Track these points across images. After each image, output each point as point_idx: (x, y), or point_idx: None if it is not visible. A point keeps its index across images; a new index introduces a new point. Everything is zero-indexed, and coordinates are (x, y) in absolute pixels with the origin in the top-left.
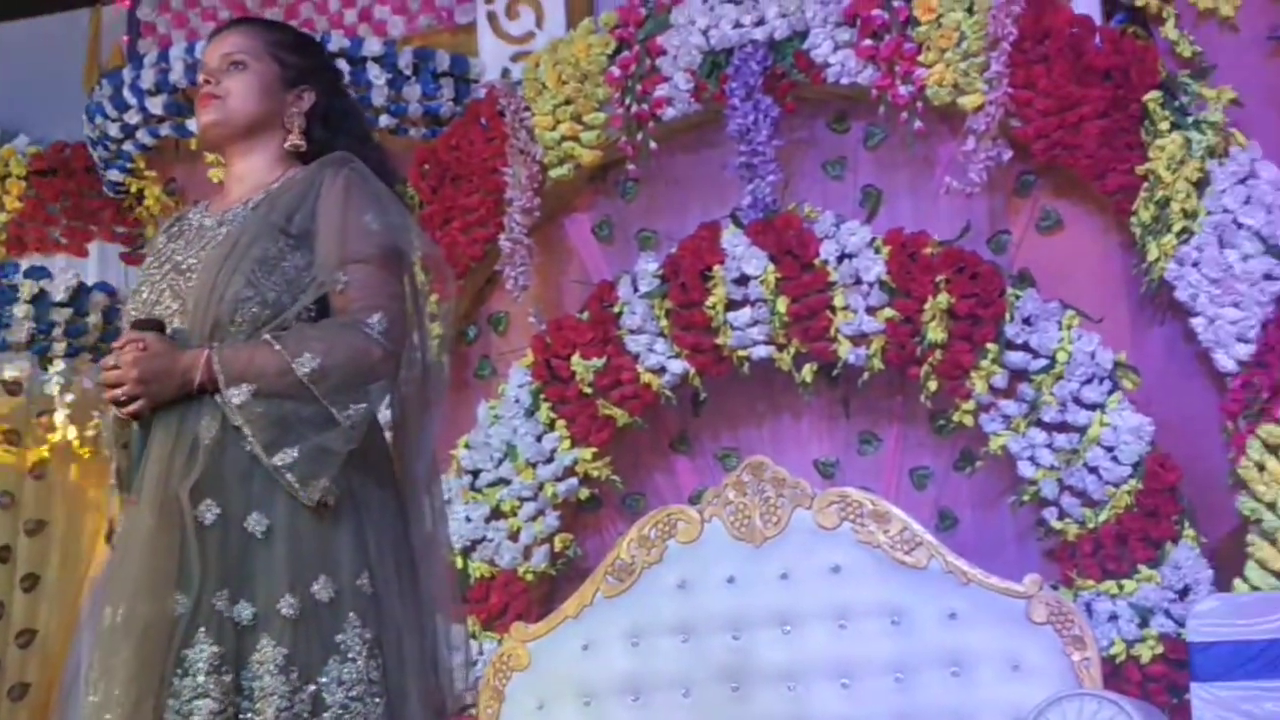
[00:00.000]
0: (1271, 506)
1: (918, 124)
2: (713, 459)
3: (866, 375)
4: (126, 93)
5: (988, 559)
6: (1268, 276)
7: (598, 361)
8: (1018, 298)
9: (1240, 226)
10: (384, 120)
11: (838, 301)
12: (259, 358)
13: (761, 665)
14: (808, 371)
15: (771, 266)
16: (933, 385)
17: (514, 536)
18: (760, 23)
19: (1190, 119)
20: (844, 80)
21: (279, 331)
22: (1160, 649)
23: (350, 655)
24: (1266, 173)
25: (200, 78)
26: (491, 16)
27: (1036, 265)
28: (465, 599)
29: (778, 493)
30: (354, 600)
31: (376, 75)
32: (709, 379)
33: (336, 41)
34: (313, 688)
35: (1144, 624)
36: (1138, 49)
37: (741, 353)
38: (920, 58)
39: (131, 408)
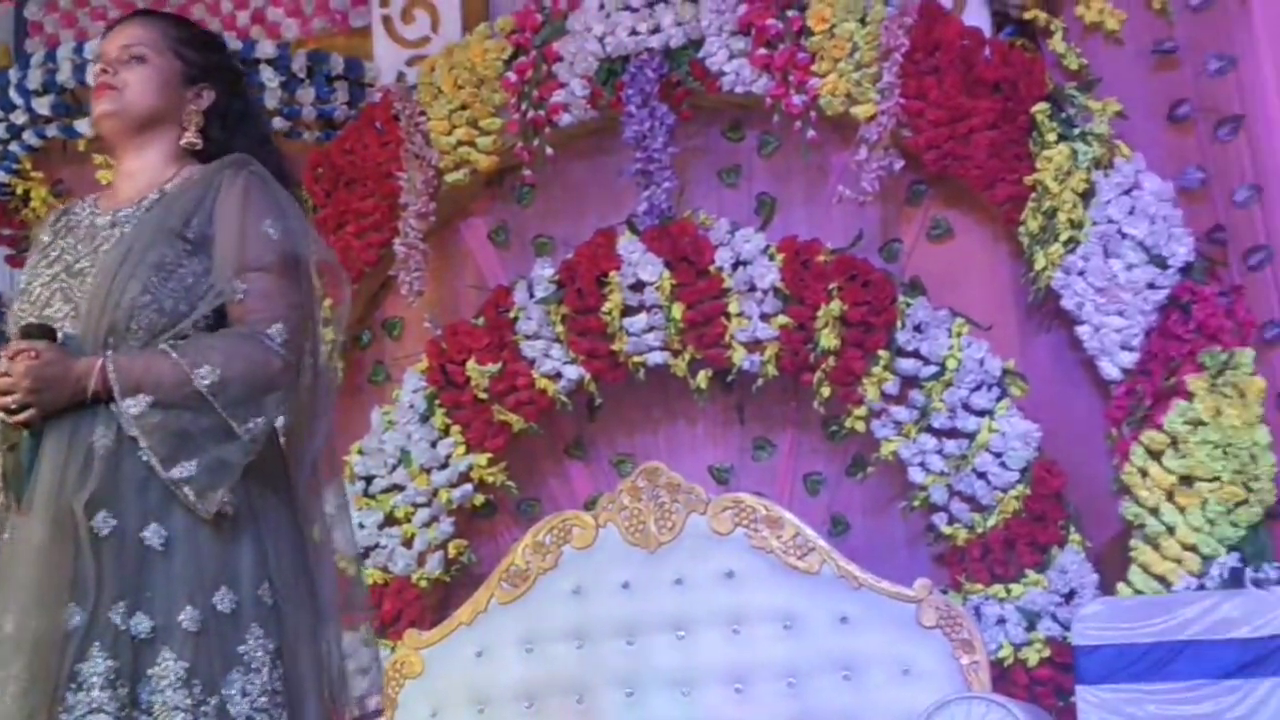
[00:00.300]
0: (1154, 511)
1: (811, 133)
2: (608, 465)
3: (761, 381)
4: (13, 93)
5: (879, 564)
6: (1151, 286)
7: (493, 367)
8: (909, 305)
9: (1124, 236)
10: (277, 123)
11: (733, 308)
12: (156, 367)
13: (655, 670)
14: (703, 378)
15: (667, 273)
16: (826, 391)
17: (408, 543)
18: (656, 30)
19: (1077, 131)
20: (739, 89)
21: (177, 340)
22: (1047, 652)
23: (254, 666)
24: (1150, 184)
25: (97, 67)
26: (386, 20)
27: (927, 273)
28: (369, 606)
29: (672, 498)
30: (255, 611)
31: (270, 78)
32: (605, 385)
33: (229, 44)
34: (216, 700)
35: (1031, 627)
36: (1026, 62)
37: (637, 359)
38: (814, 67)
39: (22, 416)
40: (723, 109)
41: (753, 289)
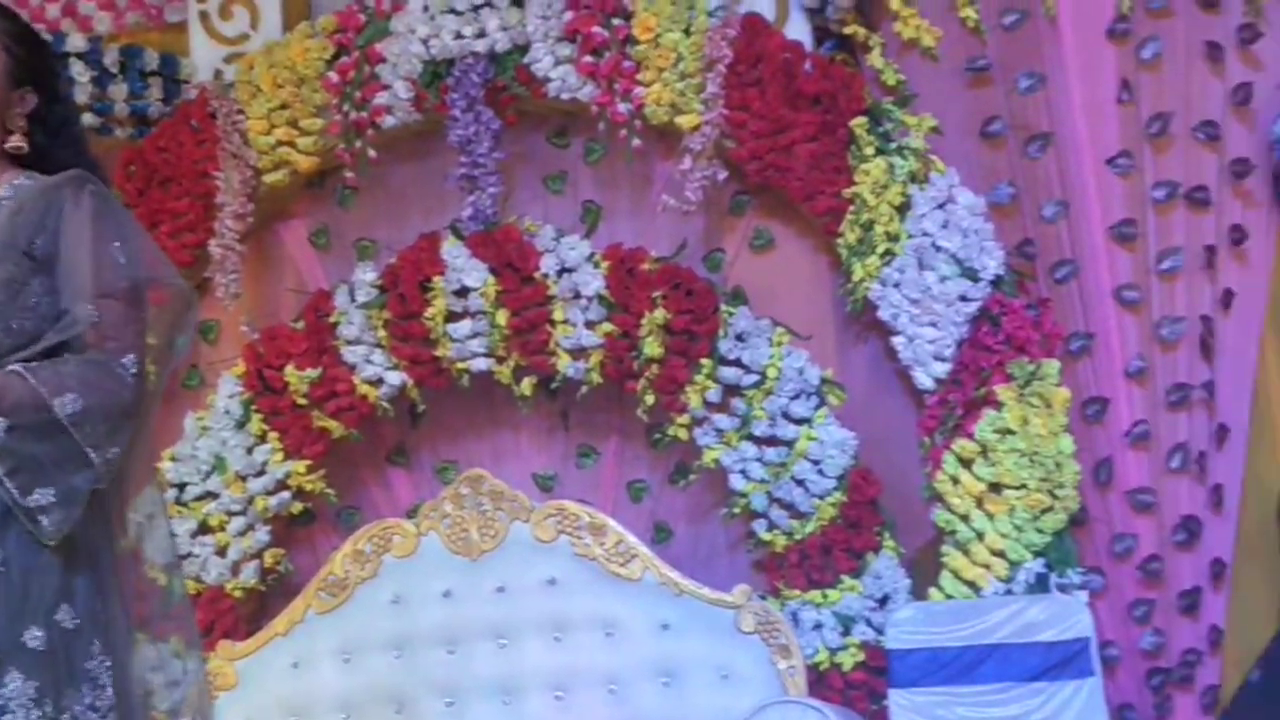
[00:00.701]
0: (965, 518)
1: (636, 141)
2: (431, 472)
3: (585, 389)
4: None
5: (700, 570)
6: (963, 298)
7: (313, 372)
8: (731, 315)
9: (939, 249)
10: (88, 119)
11: (557, 315)
12: (13, 392)
13: (477, 679)
14: (527, 385)
15: (492, 279)
16: (649, 399)
17: (221, 552)
18: (481, 35)
19: (894, 145)
20: (564, 95)
21: (30, 364)
22: (861, 656)
23: (100, 682)
24: (964, 198)
25: None
26: (204, 16)
27: (749, 283)
28: (181, 617)
29: (495, 506)
30: (93, 627)
31: (80, 72)
32: (427, 391)
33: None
34: (67, 717)
35: (846, 632)
36: (845, 76)
37: (461, 365)
38: (639, 76)
39: None
40: (549, 115)
41: (577, 296)
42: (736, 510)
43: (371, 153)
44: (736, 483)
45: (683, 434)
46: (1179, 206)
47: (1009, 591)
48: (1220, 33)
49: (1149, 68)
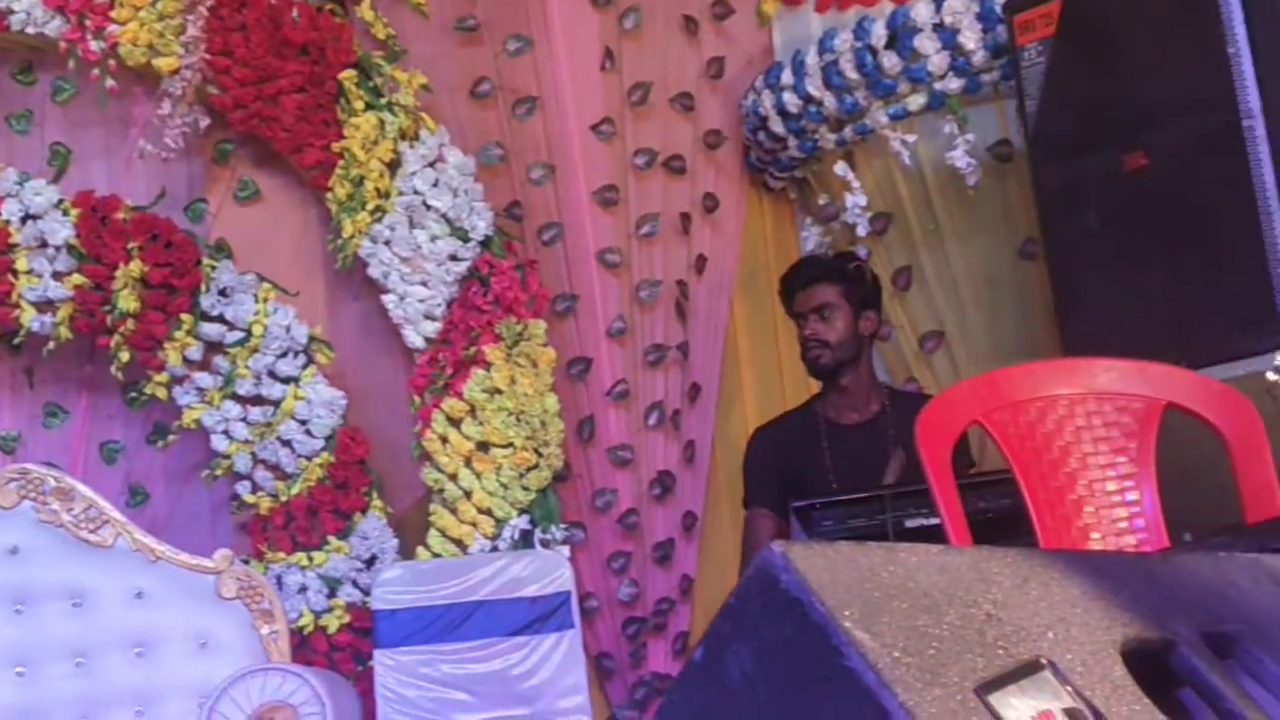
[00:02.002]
0: (453, 477)
1: (110, 82)
2: None
3: (53, 344)
4: None
5: (181, 535)
6: (453, 258)
7: None
8: (214, 268)
9: (429, 208)
10: None
11: (21, 265)
12: None
13: None
14: None
15: None
16: (124, 356)
17: None
18: None
19: (384, 100)
20: (30, 29)
21: None
22: (347, 618)
23: None
24: (453, 157)
25: None
26: None
27: (234, 236)
28: None
29: None
30: None
31: None
32: None
33: None
34: None
35: (333, 594)
36: (335, 27)
37: None
38: (113, 13)
39: None
40: (13, 50)
41: (44, 245)
42: (219, 472)
43: None
44: (219, 443)
45: (161, 393)
46: (658, 174)
47: (495, 548)
48: (696, 7)
49: (631, 37)
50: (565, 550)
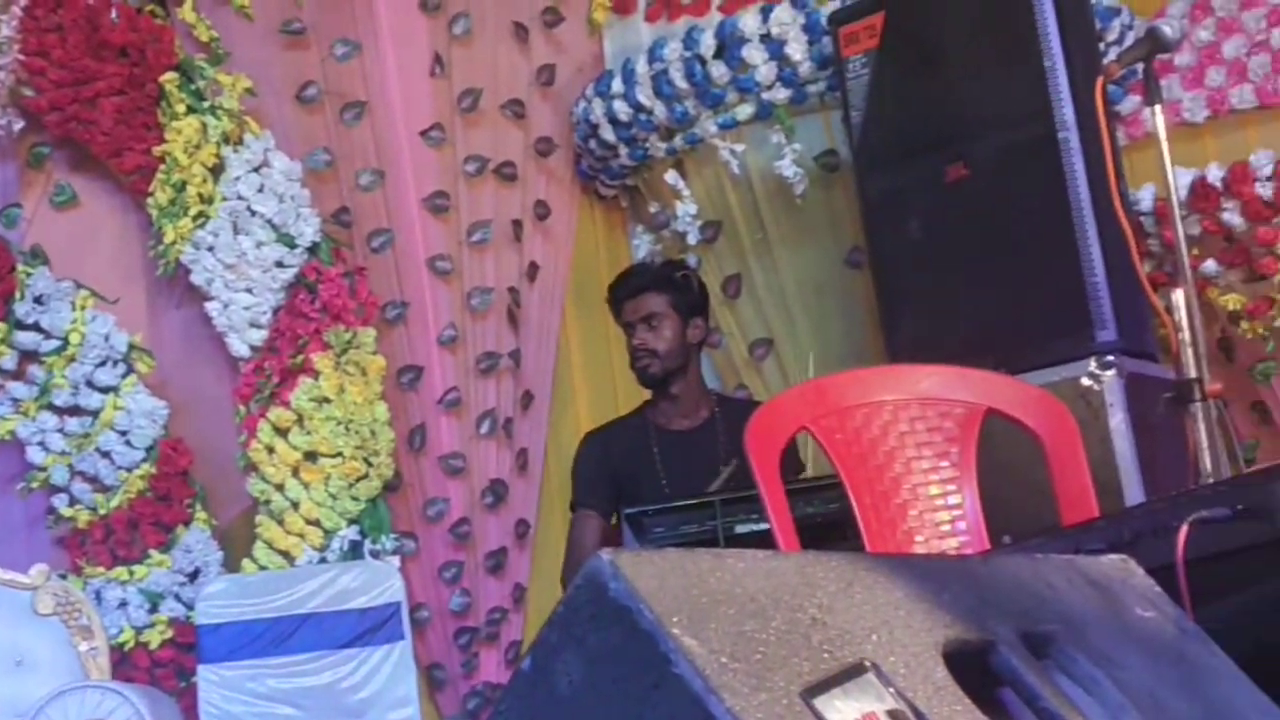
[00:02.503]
0: (280, 488)
1: None
2: None
3: None
4: None
5: None
6: (279, 264)
7: None
8: (29, 275)
9: (254, 214)
10: None
11: None
12: None
13: None
14: None
15: None
16: None
17: None
18: None
19: (207, 104)
20: None
21: None
22: (170, 633)
23: None
24: (279, 162)
25: None
26: None
27: (50, 242)
28: None
29: None
30: None
31: None
32: None
33: None
34: None
35: (154, 609)
36: (155, 28)
37: None
38: None
39: None
40: None
41: None
42: (34, 485)
43: None
44: (35, 455)
45: None
46: (489, 180)
47: (324, 560)
48: (527, 14)
49: (461, 43)
50: (395, 561)
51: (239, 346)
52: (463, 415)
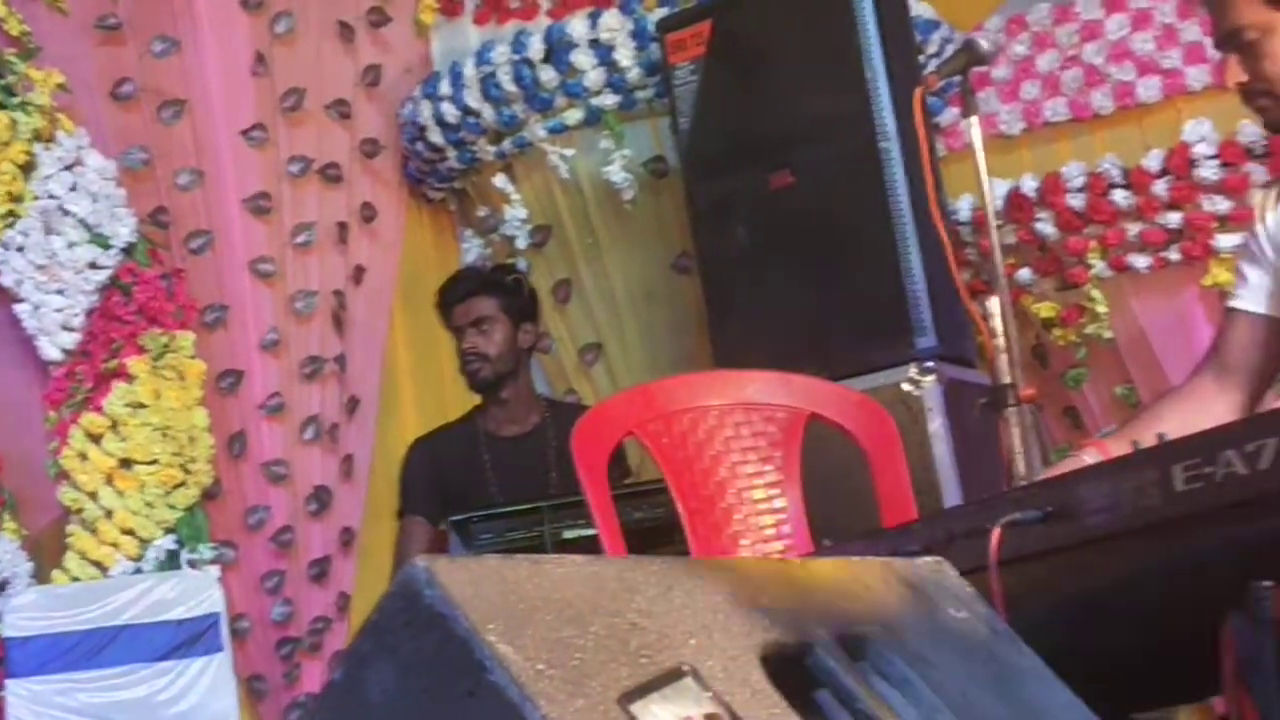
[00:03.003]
0: (93, 496)
1: None
2: None
3: None
4: None
5: None
6: (93, 265)
7: None
8: None
9: (67, 213)
10: None
11: None
12: None
13: None
14: None
15: None
16: None
17: None
18: None
19: (17, 100)
20: None
21: None
22: None
23: None
24: (93, 161)
25: None
26: None
27: None
28: None
29: None
30: None
31: None
32: None
33: None
34: None
35: None
36: None
37: None
38: None
39: None
40: None
41: None
42: None
43: None
44: None
45: None
46: (313, 181)
47: (139, 570)
48: (352, 13)
49: (284, 41)
50: (215, 570)
51: (50, 350)
52: (286, 421)
